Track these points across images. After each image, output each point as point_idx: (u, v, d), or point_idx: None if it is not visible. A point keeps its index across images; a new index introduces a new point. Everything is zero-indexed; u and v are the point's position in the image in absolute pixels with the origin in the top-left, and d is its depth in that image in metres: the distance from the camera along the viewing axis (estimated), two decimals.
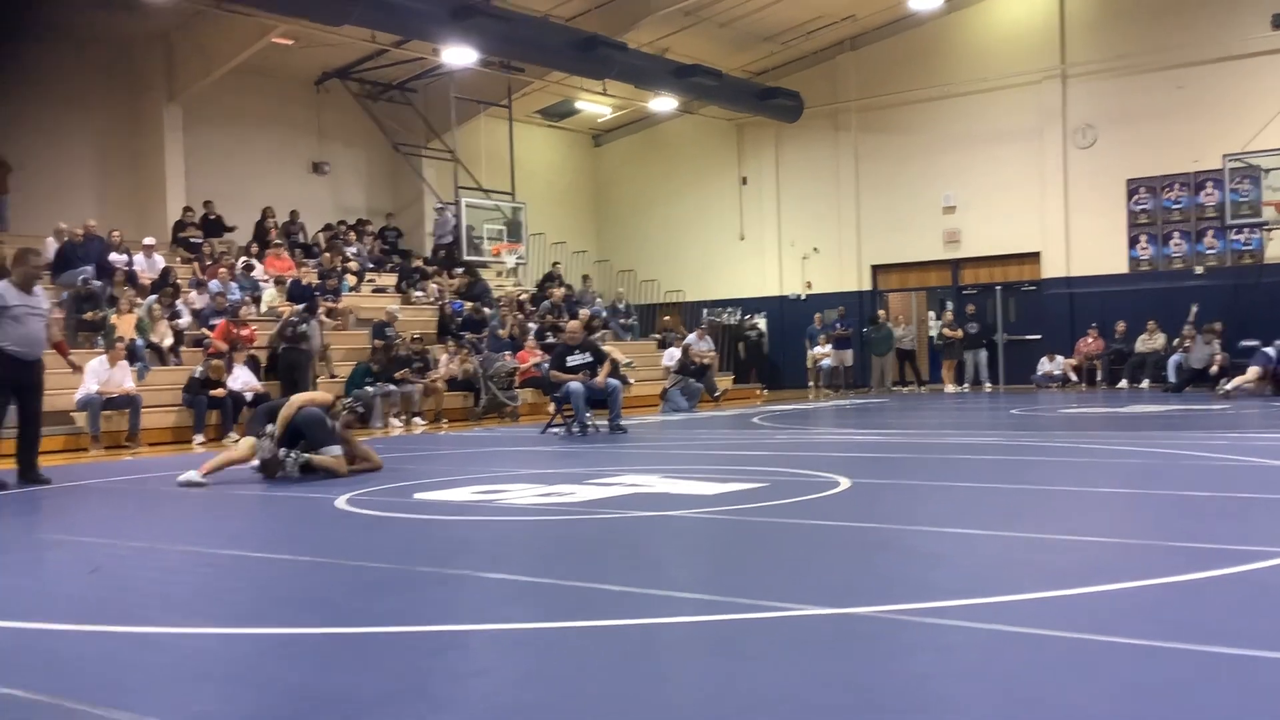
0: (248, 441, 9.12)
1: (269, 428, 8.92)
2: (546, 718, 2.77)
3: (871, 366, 23.86)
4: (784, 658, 3.26)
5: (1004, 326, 23.83)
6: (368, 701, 2.94)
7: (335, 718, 2.82)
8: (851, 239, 25.71)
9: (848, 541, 5.31)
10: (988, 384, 22.93)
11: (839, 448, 10.52)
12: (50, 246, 16.77)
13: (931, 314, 25.09)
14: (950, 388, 22.87)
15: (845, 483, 7.29)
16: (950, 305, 24.13)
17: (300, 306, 16.25)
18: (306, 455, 8.80)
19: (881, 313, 24.32)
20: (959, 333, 22.97)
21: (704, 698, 2.91)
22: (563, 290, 23.50)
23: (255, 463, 8.95)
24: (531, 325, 20.75)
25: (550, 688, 3.03)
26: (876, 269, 25.83)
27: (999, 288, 24.07)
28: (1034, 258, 23.65)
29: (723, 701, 2.85)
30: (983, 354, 23.02)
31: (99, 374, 13.27)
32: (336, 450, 8.89)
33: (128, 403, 13.46)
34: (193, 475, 8.60)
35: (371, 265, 22.13)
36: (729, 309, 27.16)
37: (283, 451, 8.82)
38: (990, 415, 15.47)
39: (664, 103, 25.40)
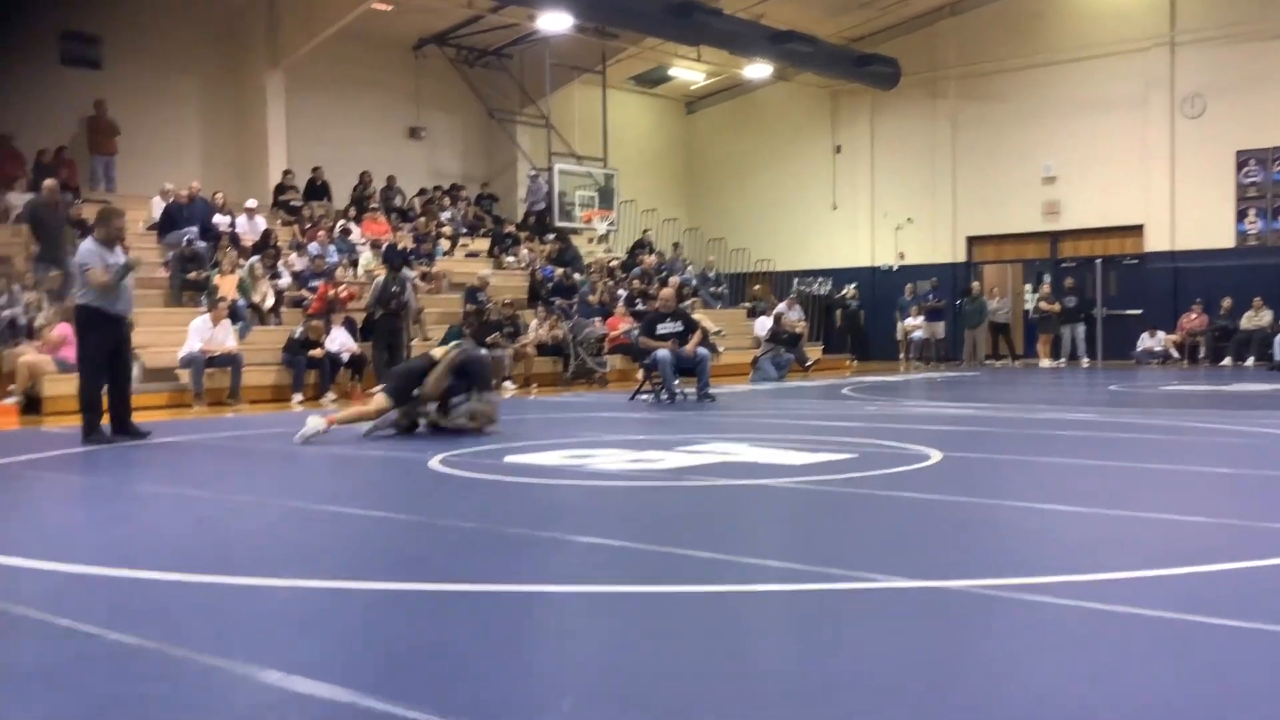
0: (381, 398, 9.26)
1: (419, 390, 9.14)
2: (634, 680, 2.82)
3: (964, 339, 23.51)
4: (872, 629, 3.26)
5: (1103, 300, 23.27)
6: (464, 657, 3.02)
7: (433, 672, 2.90)
8: (947, 209, 25.28)
9: (939, 515, 5.27)
10: (1085, 359, 22.46)
11: (930, 420, 10.41)
12: (156, 207, 17.28)
13: (1028, 287, 24.61)
14: (1046, 362, 22.43)
15: (936, 456, 7.22)
16: (1048, 278, 23.64)
17: (396, 272, 16.49)
18: (438, 417, 9.13)
19: (975, 285, 23.91)
20: (1056, 306, 22.49)
21: (790, 667, 2.93)
22: (653, 257, 23.52)
23: (384, 420, 9.16)
24: (621, 292, 20.81)
25: (638, 651, 3.07)
26: (972, 240, 25.39)
27: (1099, 261, 23.48)
28: (1136, 230, 23.04)
29: (809, 671, 2.87)
30: (1080, 328, 22.53)
31: (202, 333, 13.65)
32: (497, 398, 9.14)
33: (229, 361, 13.83)
34: (318, 424, 8.76)
35: (465, 230, 22.37)
36: (819, 279, 26.92)
37: (431, 408, 9.16)
38: (1087, 391, 15.16)
39: (758, 69, 25.17)
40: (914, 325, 23.78)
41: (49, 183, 14.54)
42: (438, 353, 9.48)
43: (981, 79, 24.62)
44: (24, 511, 5.97)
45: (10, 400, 12.41)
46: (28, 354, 12.73)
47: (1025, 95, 24.00)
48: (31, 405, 12.47)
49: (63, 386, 12.58)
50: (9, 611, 3.54)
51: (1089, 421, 10.06)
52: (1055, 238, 24.26)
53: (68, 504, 6.39)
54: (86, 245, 9.29)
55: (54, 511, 5.99)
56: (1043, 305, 22.74)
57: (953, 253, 25.40)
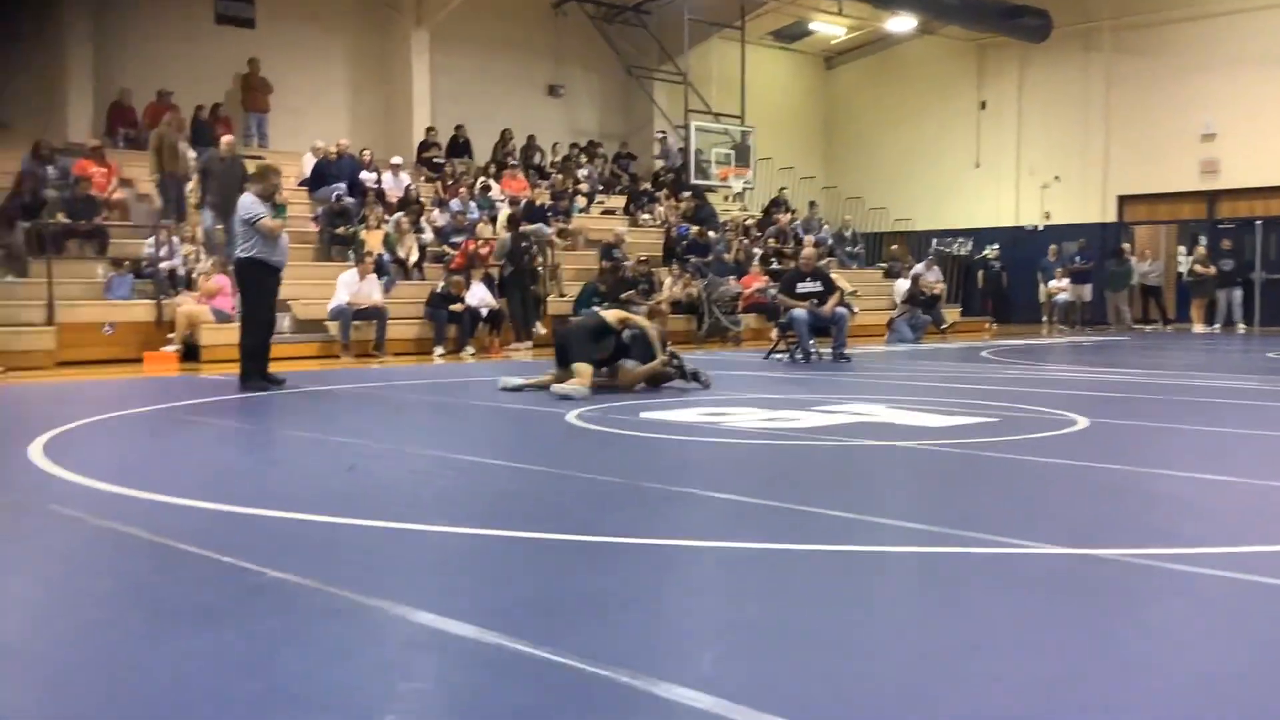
0: (587, 369, 8.91)
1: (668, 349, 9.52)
2: (767, 634, 2.84)
3: (1110, 302, 22.72)
4: (1015, 595, 3.21)
5: (1263, 264, 22.18)
6: (605, 606, 3.08)
7: (573, 618, 2.97)
8: (1097, 167, 24.37)
9: (1086, 481, 5.14)
10: (1241, 325, 21.47)
11: (1075, 385, 10.12)
12: (307, 163, 17.81)
13: (1182, 249, 23.61)
14: (1199, 328, 21.52)
15: (1083, 421, 7.03)
16: (1204, 240, 22.62)
17: (516, 230, 16.66)
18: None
19: (1125, 246, 23.04)
20: (1212, 269, 21.53)
21: (926, 629, 2.91)
22: (788, 216, 23.30)
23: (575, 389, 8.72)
24: (756, 250, 20.69)
25: (772, 606, 3.09)
26: (1123, 199, 24.44)
27: (1259, 222, 22.37)
28: None
29: (945, 634, 2.85)
30: (1237, 293, 21.53)
31: (350, 286, 14.07)
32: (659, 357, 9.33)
33: (375, 314, 14.23)
34: (577, 389, 8.58)
35: (601, 188, 22.50)
36: (960, 239, 26.27)
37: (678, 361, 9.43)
38: (1243, 358, 14.52)
39: (901, 22, 24.57)
40: (1058, 288, 23.06)
41: (227, 138, 15.11)
42: (613, 316, 9.54)
43: (1138, 31, 23.57)
44: (186, 454, 6.28)
45: (171, 348, 13.02)
46: (186, 304, 13.32)
47: (1184, 49, 22.88)
48: (190, 353, 13.05)
49: (219, 335, 13.15)
50: (175, 548, 3.75)
51: (1246, 390, 9.65)
52: (1213, 197, 23.18)
53: (227, 448, 6.69)
54: (249, 199, 9.68)
55: (214, 455, 6.29)
56: (1198, 268, 21.80)
57: (1102, 212, 24.51)
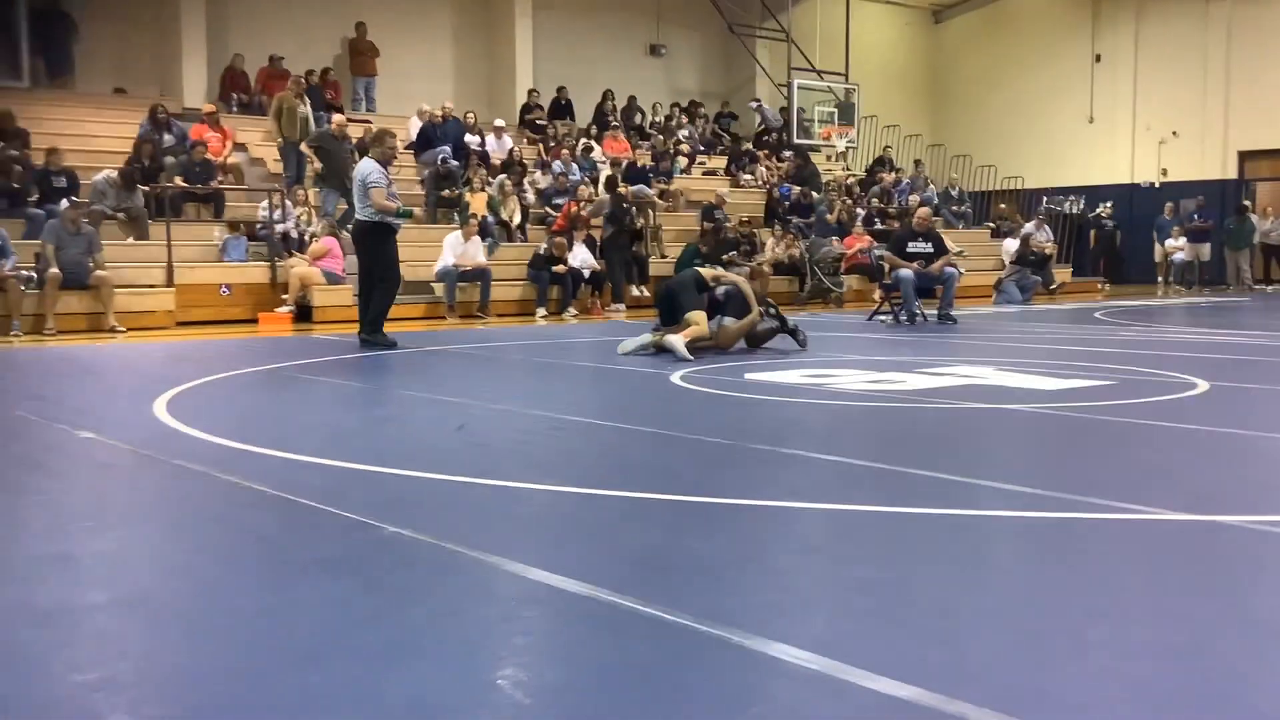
0: (700, 316, 8.97)
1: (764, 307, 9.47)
2: (881, 596, 2.83)
3: (1230, 262, 21.91)
4: (1136, 561, 3.15)
5: None
6: (717, 566, 3.10)
7: (681, 577, 2.99)
8: (1218, 122, 23.44)
9: (1209, 446, 4.99)
10: None
11: (1194, 348, 9.81)
12: (414, 126, 18.03)
13: None
14: None
15: (1203, 385, 6.82)
16: None
17: (632, 189, 16.66)
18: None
19: (1247, 203, 22.17)
20: None
21: (1044, 594, 2.86)
22: (893, 175, 22.91)
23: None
24: (860, 211, 20.39)
25: (885, 568, 3.07)
26: (1244, 155, 23.50)
27: None
28: None
29: (1064, 600, 2.80)
30: None
31: (455, 248, 14.25)
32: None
33: (479, 275, 14.39)
34: (678, 342, 8.65)
35: (702, 148, 22.36)
36: (1071, 197, 25.54)
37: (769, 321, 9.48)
38: None
39: None
40: (1175, 247, 22.31)
41: (338, 118, 15.42)
42: (706, 273, 9.50)
43: None
44: (303, 412, 6.46)
45: (285, 309, 13.35)
46: (299, 266, 13.63)
47: None
48: (303, 314, 13.38)
49: (331, 296, 13.45)
50: (297, 502, 3.86)
51: None
52: None
53: (341, 406, 6.86)
54: (369, 164, 9.89)
55: (330, 413, 6.45)
56: None
57: (1222, 169, 23.60)
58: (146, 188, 14.25)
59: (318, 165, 15.00)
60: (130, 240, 13.74)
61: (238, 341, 11.34)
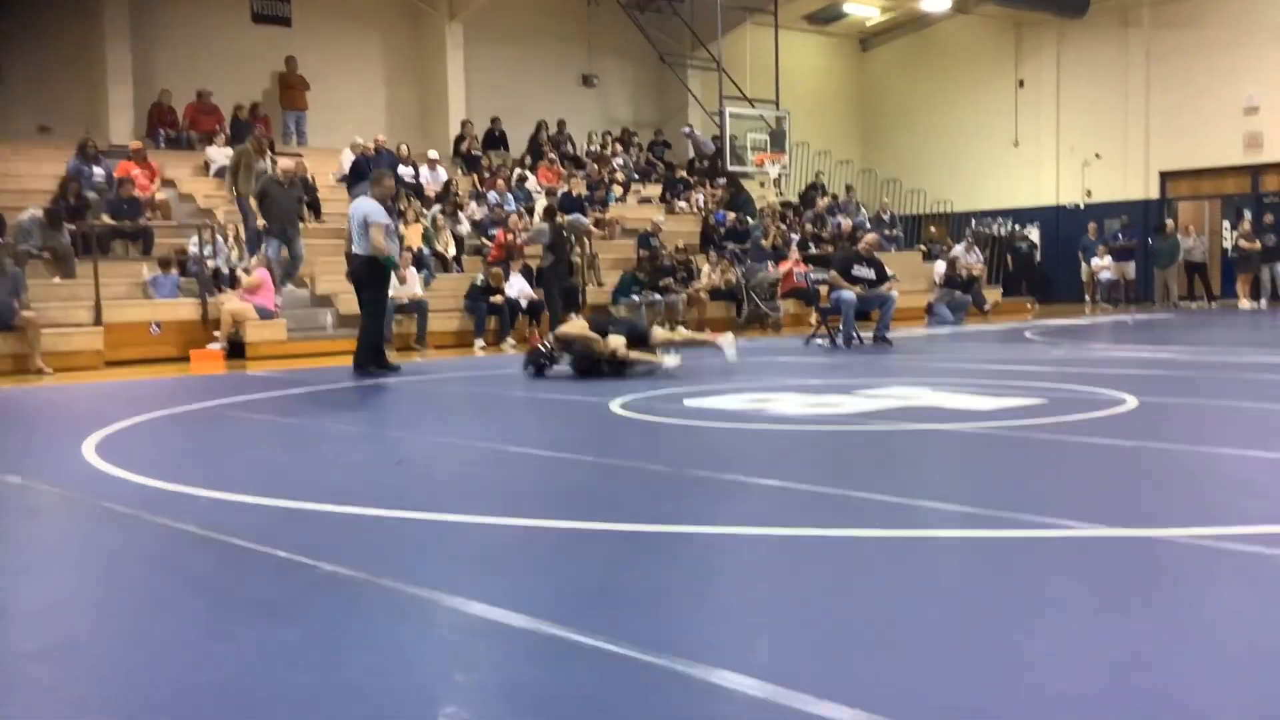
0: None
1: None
2: (823, 620, 2.83)
3: (1154, 280, 22.42)
4: (1073, 578, 3.18)
5: None
6: (659, 595, 3.09)
7: (631, 608, 2.97)
8: (1139, 143, 24.04)
9: (1139, 461, 5.08)
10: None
11: (1122, 365, 10.01)
12: (346, 159, 17.91)
13: (1226, 224, 23.26)
14: (1245, 304, 21.21)
15: (1132, 401, 6.95)
16: (1248, 214, 22.27)
17: (568, 218, 16.67)
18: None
19: (1169, 222, 22.72)
20: (1256, 244, 21.19)
21: (983, 613, 2.88)
22: (825, 200, 23.16)
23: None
24: (794, 236, 20.59)
25: (826, 592, 3.08)
26: (1165, 176, 24.11)
27: None
28: None
29: (1004, 618, 2.82)
30: None
31: (391, 281, 14.11)
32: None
33: (416, 308, 14.30)
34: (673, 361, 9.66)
35: (637, 176, 22.47)
36: (999, 219, 26.02)
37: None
38: None
39: (937, 2, 24.31)
40: (1101, 266, 22.79)
41: (285, 162, 14.81)
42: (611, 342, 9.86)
43: (1178, 5, 23.20)
44: (237, 451, 6.35)
45: (216, 346, 13.15)
46: (230, 301, 13.45)
47: (1225, 21, 22.50)
48: (235, 350, 13.19)
49: (264, 332, 13.29)
50: (230, 543, 3.79)
51: None
52: (1257, 171, 22.82)
53: (276, 444, 6.76)
54: (370, 203, 10.08)
55: (264, 451, 6.35)
56: (1242, 243, 21.45)
57: (1144, 189, 24.19)
58: (73, 226, 14.00)
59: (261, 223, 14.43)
60: (56, 279, 13.48)
61: (169, 380, 11.15)
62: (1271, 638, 2.62)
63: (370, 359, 10.45)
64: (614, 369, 9.55)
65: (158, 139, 17.57)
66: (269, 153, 15.62)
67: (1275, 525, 3.67)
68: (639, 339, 9.94)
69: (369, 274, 10.38)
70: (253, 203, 14.28)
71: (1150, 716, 2.16)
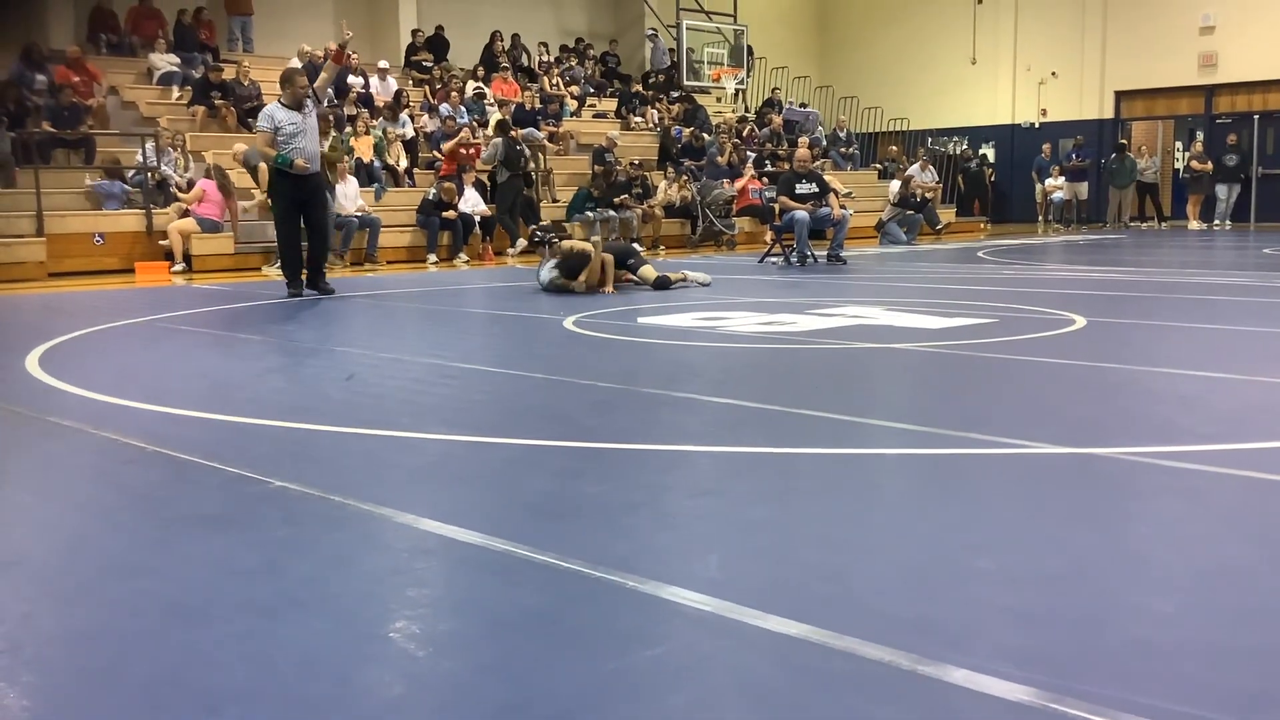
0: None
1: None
2: (771, 537, 2.86)
3: (1109, 200, 22.59)
4: (1017, 495, 3.23)
5: (1260, 159, 22.02)
6: (609, 511, 3.10)
7: (580, 524, 2.99)
8: (1095, 62, 24.03)
9: (1085, 381, 5.15)
10: (1228, 223, 21.32)
11: (1072, 285, 10.11)
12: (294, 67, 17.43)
13: (1179, 145, 23.41)
14: (1194, 224, 21.45)
15: (1080, 321, 7.03)
16: (1201, 135, 22.42)
17: (505, 136, 16.35)
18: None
19: (1124, 142, 22.83)
20: (1208, 165, 21.37)
21: (929, 529, 2.93)
22: (781, 117, 23.00)
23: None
24: (750, 153, 20.46)
25: (775, 509, 3.11)
26: (1120, 95, 24.16)
27: (1257, 117, 22.15)
28: None
29: (948, 534, 2.87)
30: (1236, 189, 21.39)
31: (346, 194, 13.88)
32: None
33: (366, 223, 14.08)
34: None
35: (592, 90, 22.14)
36: (955, 138, 26.00)
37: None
38: (1238, 255, 14.50)
39: None
40: (1054, 186, 22.90)
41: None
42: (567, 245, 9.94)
43: None
44: (184, 365, 6.26)
45: (178, 268, 12.81)
46: (175, 219, 13.13)
47: None
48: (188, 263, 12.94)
49: (210, 245, 13.06)
50: (178, 458, 3.75)
51: (1243, 286, 9.64)
52: (1211, 92, 22.92)
53: (223, 358, 6.67)
54: (268, 109, 9.71)
55: (211, 365, 6.26)
56: (1195, 164, 21.63)
57: (1099, 109, 24.25)
58: (13, 134, 13.59)
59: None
60: None
61: (113, 293, 10.95)
62: (1206, 551, 2.68)
63: (289, 278, 9.91)
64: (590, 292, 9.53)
65: (99, 44, 17.02)
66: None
67: (1213, 444, 3.74)
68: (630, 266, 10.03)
69: (272, 186, 10.03)
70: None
71: (1087, 627, 2.21)
